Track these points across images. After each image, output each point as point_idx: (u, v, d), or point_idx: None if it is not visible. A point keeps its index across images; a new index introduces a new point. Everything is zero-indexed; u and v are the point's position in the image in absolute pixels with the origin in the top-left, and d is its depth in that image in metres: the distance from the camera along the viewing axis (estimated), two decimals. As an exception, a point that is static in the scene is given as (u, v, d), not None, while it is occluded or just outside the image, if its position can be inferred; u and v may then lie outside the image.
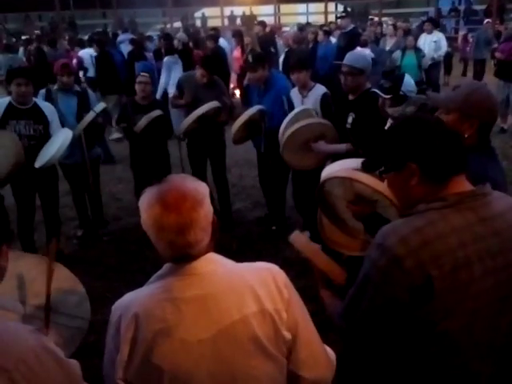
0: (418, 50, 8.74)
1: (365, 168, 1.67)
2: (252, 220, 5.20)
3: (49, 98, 4.48)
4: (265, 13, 21.56)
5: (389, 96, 3.01)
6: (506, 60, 7.35)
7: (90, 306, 2.04)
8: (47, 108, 4.19)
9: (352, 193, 2.05)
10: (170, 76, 7.84)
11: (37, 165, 3.90)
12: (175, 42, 9.18)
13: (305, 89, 4.28)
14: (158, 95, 7.56)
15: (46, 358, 1.12)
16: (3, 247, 1.19)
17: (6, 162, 3.54)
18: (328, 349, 1.42)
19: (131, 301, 1.31)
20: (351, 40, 8.50)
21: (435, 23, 10.39)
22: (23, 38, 14.70)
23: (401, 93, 2.97)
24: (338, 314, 1.48)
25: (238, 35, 10.21)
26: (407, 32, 10.85)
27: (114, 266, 4.36)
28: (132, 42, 9.89)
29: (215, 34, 9.10)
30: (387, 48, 9.71)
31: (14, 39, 15.59)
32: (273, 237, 4.67)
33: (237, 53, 9.73)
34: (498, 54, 7.43)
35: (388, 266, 1.29)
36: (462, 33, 14.43)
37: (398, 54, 8.77)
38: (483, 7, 19.58)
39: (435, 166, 1.34)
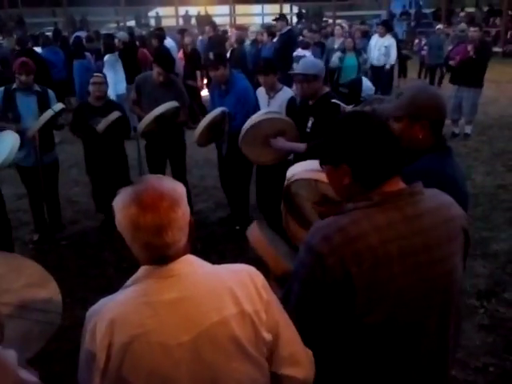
0: (358, 52, 8.93)
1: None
2: (215, 221, 5.17)
3: (7, 97, 4.28)
4: (220, 13, 21.54)
5: (351, 106, 3.06)
6: (456, 66, 7.63)
7: None
8: None
9: (318, 194, 2.07)
10: (116, 74, 8.00)
11: None
12: (116, 41, 9.17)
13: (272, 91, 4.29)
14: (112, 94, 7.50)
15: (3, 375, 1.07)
16: None
17: None
18: (308, 350, 1.41)
19: (106, 306, 1.27)
20: (287, 42, 8.62)
21: (388, 27, 10.62)
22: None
23: (361, 98, 3.03)
24: None
25: (181, 35, 10.16)
26: (364, 34, 11.15)
27: (73, 270, 4.22)
28: (88, 39, 9.77)
29: (160, 33, 9.08)
30: (335, 47, 9.93)
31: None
32: (236, 237, 4.65)
33: (180, 53, 9.71)
34: (451, 63, 7.71)
35: (312, 263, 1.33)
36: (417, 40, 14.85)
37: (337, 55, 8.96)
38: (432, 10, 20.33)
39: (367, 173, 1.38)
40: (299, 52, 8.66)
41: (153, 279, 1.26)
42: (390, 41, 10.01)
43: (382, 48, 9.91)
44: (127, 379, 1.21)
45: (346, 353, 1.40)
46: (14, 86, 4.35)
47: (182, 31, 10.32)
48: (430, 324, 1.39)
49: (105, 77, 4.89)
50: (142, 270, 1.29)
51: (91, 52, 9.33)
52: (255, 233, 1.80)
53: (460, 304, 1.50)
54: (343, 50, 8.96)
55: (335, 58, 9.01)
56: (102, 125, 4.34)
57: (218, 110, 4.30)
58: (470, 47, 7.44)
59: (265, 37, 9.23)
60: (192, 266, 1.29)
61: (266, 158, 3.95)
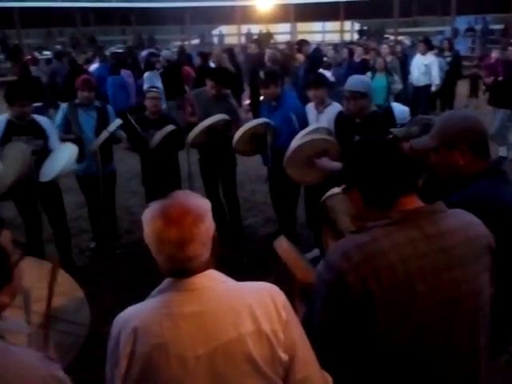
0: (388, 73, 8.46)
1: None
2: (263, 236, 5.22)
3: (70, 112, 4.56)
4: (281, 31, 21.81)
5: (399, 127, 3.02)
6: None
7: (101, 319, 2.01)
8: (45, 122, 4.24)
9: None
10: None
11: (43, 179, 3.92)
12: (160, 59, 9.68)
13: (321, 105, 4.32)
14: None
15: None
16: (5, 287, 1.18)
17: (12, 172, 3.54)
18: (325, 373, 1.40)
19: (131, 315, 1.33)
20: (312, 62, 8.64)
21: (429, 44, 9.99)
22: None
23: (398, 126, 3.00)
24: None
25: (201, 57, 10.25)
26: (393, 52, 10.40)
27: (125, 279, 4.40)
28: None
29: (204, 52, 9.45)
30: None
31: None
32: (283, 254, 4.66)
33: None
34: (487, 81, 7.43)
35: (333, 280, 1.33)
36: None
37: (367, 75, 8.40)
38: (500, 26, 19.57)
39: (375, 194, 1.41)
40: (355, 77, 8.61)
41: (175, 292, 1.31)
42: (430, 59, 9.35)
43: (421, 67, 9.32)
44: None
45: (369, 376, 1.38)
46: (77, 101, 4.64)
47: (203, 54, 10.24)
48: (458, 347, 1.36)
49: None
50: (166, 282, 1.34)
51: (133, 70, 9.74)
52: (284, 244, 1.81)
53: (488, 326, 1.44)
54: (373, 70, 8.53)
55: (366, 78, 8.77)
56: (155, 139, 4.50)
57: (260, 120, 4.37)
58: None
59: (301, 57, 9.31)
60: (213, 281, 1.33)
61: (310, 178, 3.98)
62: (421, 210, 1.39)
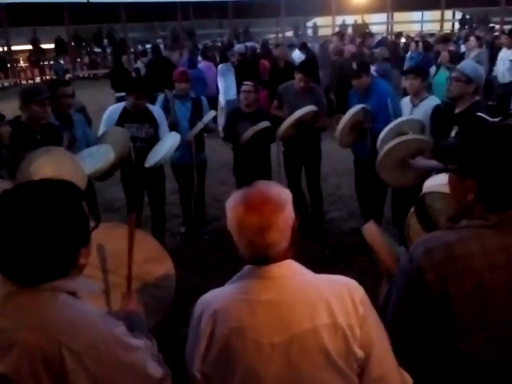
0: (450, 68, 7.72)
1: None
2: (346, 230, 5.19)
3: (166, 103, 4.82)
4: (377, 21, 21.18)
5: (498, 119, 2.89)
6: None
7: (187, 300, 2.07)
8: (157, 112, 4.49)
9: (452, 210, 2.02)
10: (226, 81, 8.78)
11: (147, 165, 4.18)
12: (234, 53, 9.92)
13: (416, 98, 4.18)
14: (223, 100, 8.45)
15: (114, 345, 1.22)
16: (81, 249, 1.27)
17: (112, 155, 3.70)
18: (405, 373, 1.37)
19: (213, 298, 1.39)
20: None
21: None
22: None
23: (510, 111, 2.85)
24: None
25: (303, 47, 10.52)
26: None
27: (211, 263, 4.59)
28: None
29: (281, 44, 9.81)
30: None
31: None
32: (366, 249, 4.58)
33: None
34: None
35: (412, 274, 1.31)
36: None
37: (432, 70, 7.81)
38: None
39: (494, 194, 1.28)
40: None
41: (253, 279, 1.35)
42: None
43: (506, 62, 8.42)
44: (223, 368, 1.32)
45: (442, 377, 1.36)
46: (174, 92, 4.89)
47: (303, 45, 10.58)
48: None
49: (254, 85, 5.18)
50: (246, 268, 1.40)
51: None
52: (372, 229, 1.81)
53: None
54: (438, 65, 7.89)
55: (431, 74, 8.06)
56: (247, 134, 4.61)
57: (358, 106, 4.32)
58: None
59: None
60: (291, 270, 1.36)
61: (406, 180, 3.83)
62: None
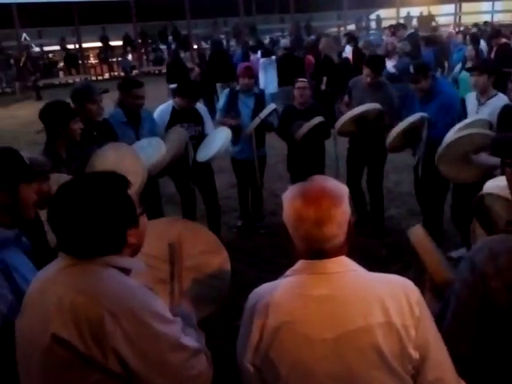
0: None
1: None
2: (405, 228, 5.00)
3: (231, 97, 4.91)
4: (444, 12, 20.36)
5: None
6: None
7: (242, 292, 2.02)
8: (202, 109, 4.60)
9: None
10: (267, 75, 9.03)
11: (200, 160, 4.28)
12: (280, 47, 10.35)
13: (483, 95, 4.02)
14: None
15: (150, 314, 1.30)
16: (130, 230, 1.41)
17: (169, 153, 3.81)
18: (462, 382, 1.32)
19: (266, 291, 1.41)
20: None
21: None
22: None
23: None
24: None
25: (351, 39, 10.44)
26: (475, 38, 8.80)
27: (266, 258, 4.64)
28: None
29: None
30: None
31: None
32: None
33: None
34: None
35: (474, 282, 1.25)
36: None
37: (458, 66, 7.33)
38: None
39: None
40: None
41: (307, 273, 1.36)
42: None
43: None
44: (274, 361, 1.33)
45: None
46: (238, 87, 4.96)
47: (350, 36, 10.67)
48: None
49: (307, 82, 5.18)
50: (300, 263, 1.40)
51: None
52: (420, 234, 1.75)
53: None
54: (464, 60, 7.42)
55: (457, 69, 7.63)
56: (301, 131, 4.61)
57: (417, 115, 4.20)
58: None
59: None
60: (345, 267, 1.36)
61: (467, 175, 3.71)
62: None
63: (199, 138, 4.46)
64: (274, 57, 9.70)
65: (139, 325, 1.28)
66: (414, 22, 19.84)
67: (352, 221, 1.38)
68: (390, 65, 7.92)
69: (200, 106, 4.65)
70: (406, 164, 6.37)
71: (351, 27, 20.64)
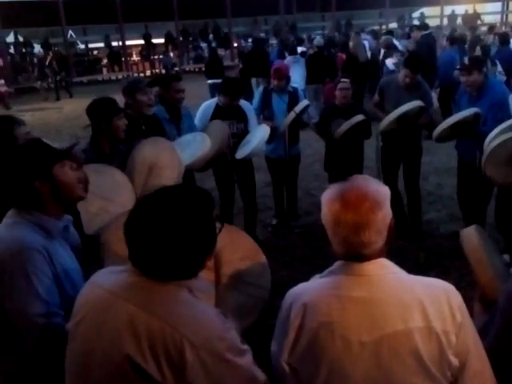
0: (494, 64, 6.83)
1: None
2: (445, 233, 4.93)
3: (265, 96, 4.90)
4: (490, 11, 19.73)
5: None
6: None
7: (276, 291, 2.05)
8: (246, 107, 4.58)
9: None
10: (293, 73, 8.91)
11: (238, 156, 4.29)
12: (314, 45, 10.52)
13: None
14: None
15: (227, 346, 1.24)
16: (207, 259, 1.34)
17: (212, 148, 3.78)
18: None
19: (303, 291, 1.39)
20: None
21: None
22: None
23: None
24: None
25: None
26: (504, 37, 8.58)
27: (300, 257, 4.60)
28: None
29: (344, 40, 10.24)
30: None
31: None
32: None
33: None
34: None
35: None
36: None
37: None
38: None
39: None
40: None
41: (345, 275, 1.33)
42: None
43: None
44: (310, 362, 1.31)
45: None
46: (271, 86, 4.95)
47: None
48: None
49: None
50: (338, 264, 1.37)
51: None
52: (473, 242, 1.67)
53: None
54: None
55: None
56: (341, 129, 4.55)
57: (471, 110, 4.06)
58: None
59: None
60: (384, 269, 1.33)
61: None
62: None
63: (241, 135, 4.46)
64: (297, 55, 9.87)
65: (217, 357, 1.22)
66: (459, 21, 19.29)
67: (393, 225, 1.34)
68: (389, 62, 8.40)
69: (244, 104, 4.64)
70: (447, 167, 6.21)
71: (393, 25, 20.25)
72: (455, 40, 9.26)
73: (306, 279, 1.49)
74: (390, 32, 12.20)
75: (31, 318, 1.61)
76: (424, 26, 10.77)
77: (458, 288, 1.35)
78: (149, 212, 1.27)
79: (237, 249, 1.92)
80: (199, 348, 1.20)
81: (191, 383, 1.20)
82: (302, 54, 10.36)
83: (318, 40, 10.91)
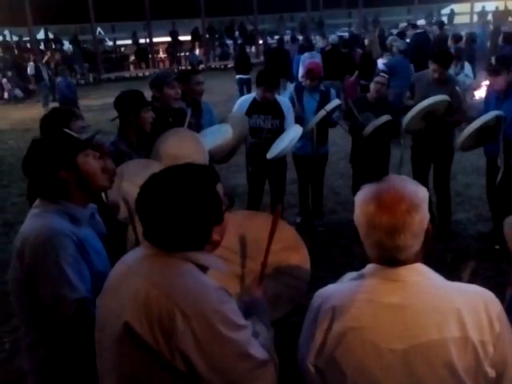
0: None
1: None
2: (473, 234, 4.83)
3: (297, 93, 4.87)
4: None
5: None
6: None
7: None
8: (285, 104, 4.54)
9: None
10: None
11: (268, 156, 4.27)
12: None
13: None
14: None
15: (220, 319, 1.24)
16: (215, 227, 1.37)
17: (232, 138, 3.74)
18: None
19: (332, 293, 1.35)
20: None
21: None
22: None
23: None
24: None
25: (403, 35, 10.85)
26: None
27: (324, 256, 4.56)
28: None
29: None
30: None
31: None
32: (494, 256, 4.26)
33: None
34: None
35: None
36: None
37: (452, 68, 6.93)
38: None
39: None
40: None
41: (378, 279, 1.28)
42: None
43: None
44: (338, 365, 1.27)
45: None
46: (303, 84, 4.91)
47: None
48: None
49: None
50: (371, 267, 1.32)
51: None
52: None
53: None
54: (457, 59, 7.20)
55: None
56: (368, 128, 4.50)
57: (492, 114, 3.98)
58: None
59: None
60: (421, 275, 1.27)
61: None
62: None
63: (276, 131, 4.42)
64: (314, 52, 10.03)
65: (209, 329, 1.24)
66: (489, 17, 18.85)
67: (430, 228, 1.28)
68: (380, 62, 8.65)
69: (283, 101, 4.61)
70: (475, 166, 6.08)
71: (421, 22, 19.92)
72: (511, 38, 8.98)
73: (330, 277, 1.46)
74: (415, 25, 12.14)
75: (63, 304, 1.65)
76: (415, 25, 11.29)
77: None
78: (153, 185, 1.35)
79: (278, 239, 1.87)
80: (190, 317, 1.22)
81: (183, 351, 1.23)
82: (322, 50, 10.49)
83: (333, 37, 11.05)
